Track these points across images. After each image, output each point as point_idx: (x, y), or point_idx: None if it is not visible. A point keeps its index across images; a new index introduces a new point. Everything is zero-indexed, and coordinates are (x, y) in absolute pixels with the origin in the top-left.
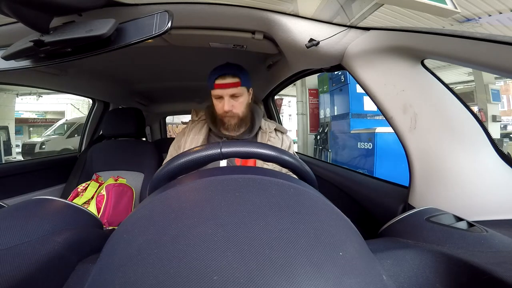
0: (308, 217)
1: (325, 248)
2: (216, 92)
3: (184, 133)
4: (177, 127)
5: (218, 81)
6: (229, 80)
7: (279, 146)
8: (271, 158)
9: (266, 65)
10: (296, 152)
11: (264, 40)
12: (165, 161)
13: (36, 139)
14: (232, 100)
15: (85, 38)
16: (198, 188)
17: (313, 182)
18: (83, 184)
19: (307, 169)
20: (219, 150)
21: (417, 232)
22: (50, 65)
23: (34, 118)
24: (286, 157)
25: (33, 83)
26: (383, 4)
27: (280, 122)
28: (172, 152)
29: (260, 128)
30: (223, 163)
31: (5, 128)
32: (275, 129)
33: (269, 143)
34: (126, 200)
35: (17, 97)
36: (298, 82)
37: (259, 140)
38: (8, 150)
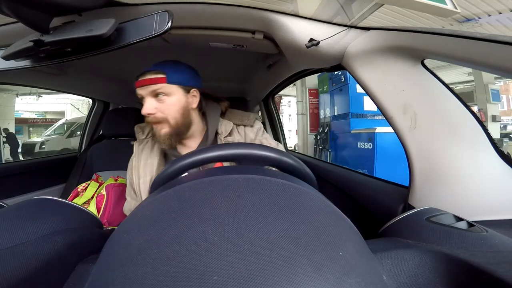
0: (308, 217)
1: (325, 248)
2: (137, 92)
3: (133, 162)
4: None
5: (138, 80)
6: (148, 76)
7: None
8: (271, 159)
9: (266, 65)
10: (295, 152)
11: (264, 40)
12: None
13: (36, 139)
14: (154, 101)
15: (85, 38)
16: (198, 188)
17: (313, 182)
18: (83, 184)
19: (307, 170)
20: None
21: (417, 232)
22: (50, 65)
23: (34, 118)
24: (286, 158)
25: (33, 83)
26: (383, 4)
27: (280, 122)
28: (127, 200)
29: (216, 133)
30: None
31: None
32: (237, 125)
33: None
34: None
35: (17, 97)
36: (298, 82)
37: None
38: None
